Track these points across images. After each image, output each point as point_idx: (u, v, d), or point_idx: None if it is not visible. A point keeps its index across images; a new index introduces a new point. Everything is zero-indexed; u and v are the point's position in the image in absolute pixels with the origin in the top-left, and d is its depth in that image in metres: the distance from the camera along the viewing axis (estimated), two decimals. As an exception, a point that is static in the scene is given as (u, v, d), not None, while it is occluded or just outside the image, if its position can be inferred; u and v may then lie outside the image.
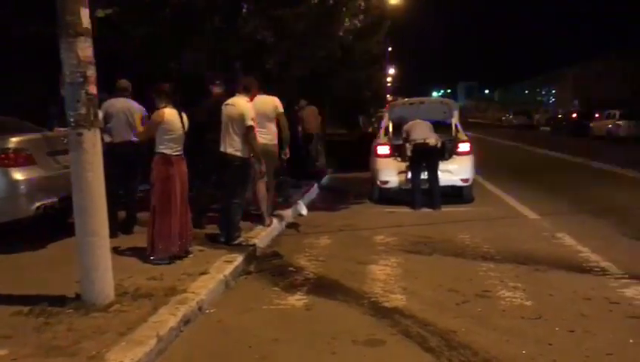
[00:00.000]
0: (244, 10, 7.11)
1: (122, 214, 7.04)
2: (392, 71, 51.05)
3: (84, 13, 4.24)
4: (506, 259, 6.17)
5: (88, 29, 4.26)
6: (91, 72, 4.30)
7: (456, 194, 9.92)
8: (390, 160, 9.85)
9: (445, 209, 9.34)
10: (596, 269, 5.70)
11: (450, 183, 9.66)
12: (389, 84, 54.19)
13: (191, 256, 5.95)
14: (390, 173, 9.82)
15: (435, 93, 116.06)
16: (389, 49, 29.60)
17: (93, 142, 4.34)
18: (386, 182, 9.89)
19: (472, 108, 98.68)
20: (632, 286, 5.10)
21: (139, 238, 6.65)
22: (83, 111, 4.26)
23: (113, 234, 5.95)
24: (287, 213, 8.60)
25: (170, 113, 5.83)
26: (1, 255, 6.08)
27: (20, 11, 8.80)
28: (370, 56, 19.16)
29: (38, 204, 6.23)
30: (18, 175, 6.12)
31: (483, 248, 6.68)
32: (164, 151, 5.81)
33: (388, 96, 53.65)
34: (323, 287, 5.31)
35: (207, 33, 7.65)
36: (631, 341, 3.94)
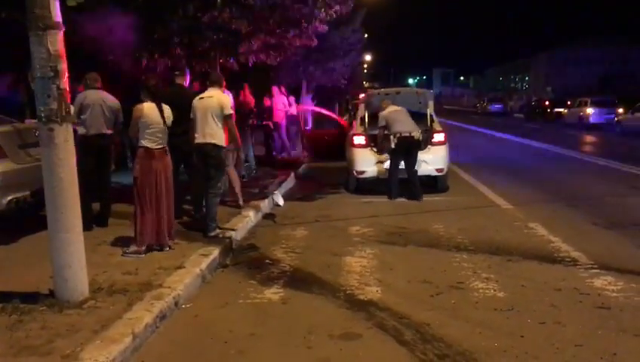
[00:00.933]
0: (218, 1, 7.02)
1: (97, 207, 6.96)
2: (368, 57, 51.00)
3: (54, 6, 4.15)
4: (480, 249, 6.27)
5: (58, 22, 4.18)
6: (62, 66, 4.23)
7: (430, 184, 10.03)
8: (367, 150, 9.89)
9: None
10: (567, 259, 5.82)
11: (425, 173, 9.74)
12: (364, 71, 54.22)
13: (167, 249, 5.91)
14: (367, 163, 9.87)
15: (410, 80, 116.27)
16: (365, 35, 29.50)
17: (65, 137, 4.27)
18: (363, 173, 9.93)
19: (447, 95, 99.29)
20: (600, 277, 5.22)
21: (113, 231, 6.64)
22: (54, 106, 4.19)
23: (87, 227, 5.93)
24: (264, 204, 8.60)
25: (149, 107, 5.84)
26: (-29, 250, 5.99)
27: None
28: (347, 45, 19.17)
29: (9, 198, 6.13)
30: (-12, 168, 6.01)
31: (457, 238, 6.77)
32: (146, 144, 5.81)
33: (364, 83, 53.72)
34: (299, 280, 5.34)
35: (179, 22, 7.54)
36: (599, 332, 4.04)
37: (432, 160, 9.74)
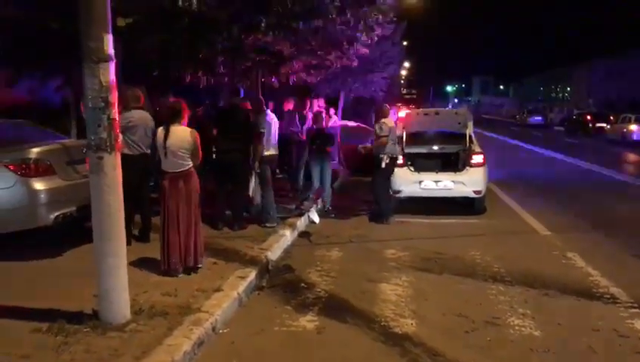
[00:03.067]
0: (262, 24, 7.16)
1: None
2: (406, 64, 50.82)
3: (107, 39, 4.31)
4: (516, 280, 6.21)
5: (111, 54, 4.34)
6: (112, 97, 4.38)
7: (466, 204, 9.99)
8: (404, 169, 9.89)
9: (456, 220, 9.41)
10: (606, 296, 5.72)
11: (462, 195, 9.72)
12: (402, 80, 54.07)
13: (200, 268, 6.02)
14: (403, 182, 9.87)
15: (449, 88, 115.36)
16: (404, 43, 29.42)
17: (113, 165, 4.43)
18: (399, 192, 9.93)
19: (486, 104, 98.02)
20: (641, 318, 5.13)
21: (153, 247, 6.79)
22: (104, 135, 4.34)
23: (127, 242, 6.09)
24: (300, 222, 8.68)
25: (159, 131, 5.99)
26: (20, 262, 6.24)
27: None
28: (386, 58, 19.18)
29: (56, 214, 6.35)
30: (38, 185, 6.25)
31: (493, 267, 6.72)
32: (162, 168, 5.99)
33: (402, 90, 53.56)
34: (334, 308, 5.38)
35: (223, 43, 7.72)
36: (638, 380, 3.98)
37: (469, 181, 9.69)
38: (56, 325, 4.45)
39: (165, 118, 6.02)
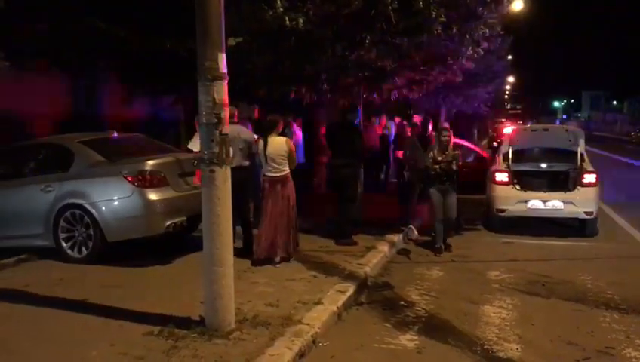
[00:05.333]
0: (366, 41, 7.23)
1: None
2: (510, 79, 49.20)
3: (222, 58, 4.53)
4: (632, 309, 5.79)
5: (224, 73, 4.55)
6: (225, 114, 4.59)
7: (577, 226, 9.48)
8: (509, 187, 9.56)
9: (565, 242, 8.94)
10: None
11: (572, 216, 9.25)
12: (506, 94, 52.40)
13: (279, 265, 6.70)
14: (508, 201, 9.53)
15: (556, 103, 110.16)
16: (509, 57, 28.50)
17: (224, 179, 4.63)
18: (504, 211, 9.60)
19: (597, 121, 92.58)
20: None
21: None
22: (216, 150, 4.55)
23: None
24: (398, 238, 8.61)
25: (260, 142, 6.90)
26: (134, 268, 6.66)
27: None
28: (491, 73, 18.69)
29: (169, 223, 6.74)
30: (153, 195, 6.66)
31: (606, 294, 6.31)
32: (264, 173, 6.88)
33: (506, 105, 51.88)
34: (435, 328, 5.27)
35: (327, 60, 7.87)
36: None
37: (580, 202, 9.20)
38: (166, 329, 4.70)
39: (265, 131, 6.92)
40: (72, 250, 7.01)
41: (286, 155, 6.74)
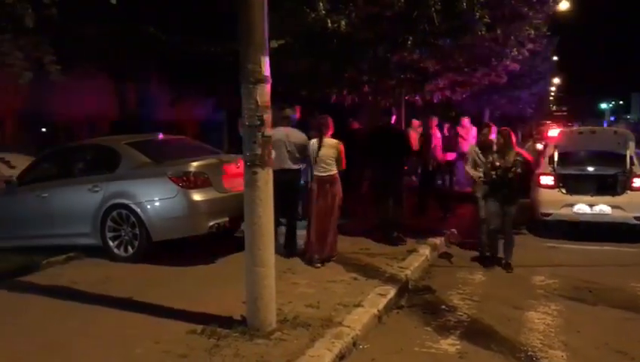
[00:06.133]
0: (408, 43, 7.19)
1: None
2: (556, 80, 48.07)
3: (265, 62, 4.58)
4: (686, 318, 5.59)
5: (267, 76, 4.60)
6: (267, 116, 4.64)
7: (625, 232, 9.19)
8: (554, 191, 9.34)
9: (612, 248, 8.69)
10: None
11: (620, 221, 8.97)
12: (551, 96, 51.24)
13: (320, 264, 6.85)
14: (554, 205, 9.31)
15: (604, 105, 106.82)
16: (555, 58, 27.83)
17: (265, 180, 4.67)
18: (548, 215, 9.39)
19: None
20: None
21: (298, 261, 7.06)
22: (258, 151, 4.60)
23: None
24: (440, 242, 8.52)
25: (312, 143, 7.00)
26: (178, 268, 6.79)
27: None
28: (535, 74, 18.30)
29: (212, 223, 6.84)
30: (196, 196, 6.78)
31: (658, 302, 6.10)
32: (314, 172, 7.05)
33: (551, 107, 50.75)
34: (477, 333, 5.20)
35: (369, 62, 7.86)
36: None
37: (629, 206, 8.92)
38: (209, 328, 4.77)
39: (317, 133, 7.05)
40: (119, 249, 7.19)
41: (336, 157, 6.90)
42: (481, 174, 7.50)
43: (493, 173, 7.23)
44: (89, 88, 14.99)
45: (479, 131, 8.78)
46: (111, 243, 7.20)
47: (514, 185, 7.25)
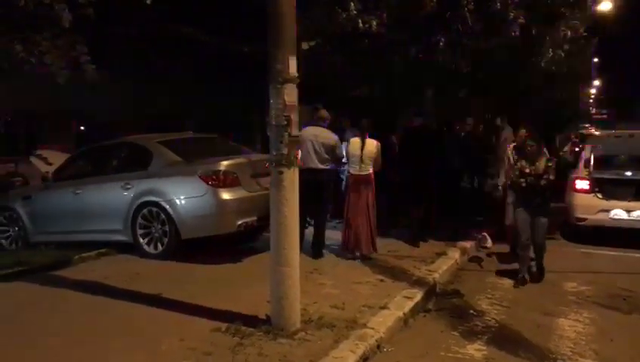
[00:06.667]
0: (441, 44, 7.11)
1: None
2: (596, 82, 46.89)
3: (292, 62, 4.59)
4: None
5: (295, 76, 4.60)
6: (294, 116, 4.64)
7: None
8: (590, 196, 9.12)
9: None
10: None
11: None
12: (591, 98, 50.08)
13: (358, 260, 7.20)
14: (589, 210, 9.08)
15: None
16: (595, 60, 27.16)
17: (291, 180, 4.68)
18: (583, 220, 9.16)
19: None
20: None
21: (325, 262, 7.06)
22: (285, 151, 4.61)
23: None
24: (471, 245, 8.40)
25: (354, 141, 7.34)
26: (205, 266, 6.87)
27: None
28: (574, 75, 17.85)
29: (240, 222, 6.89)
30: (225, 195, 6.84)
31: (697, 312, 5.89)
32: (350, 171, 7.38)
33: (591, 110, 49.60)
34: (505, 339, 5.10)
35: (400, 63, 7.81)
36: None
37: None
38: (233, 326, 4.80)
39: (359, 133, 7.38)
40: (149, 246, 7.30)
41: (374, 157, 7.23)
42: (504, 179, 7.32)
43: (522, 180, 6.69)
44: (125, 88, 15.27)
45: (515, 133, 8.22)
46: (141, 239, 7.32)
47: (546, 194, 6.76)
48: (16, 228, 8.42)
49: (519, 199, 6.92)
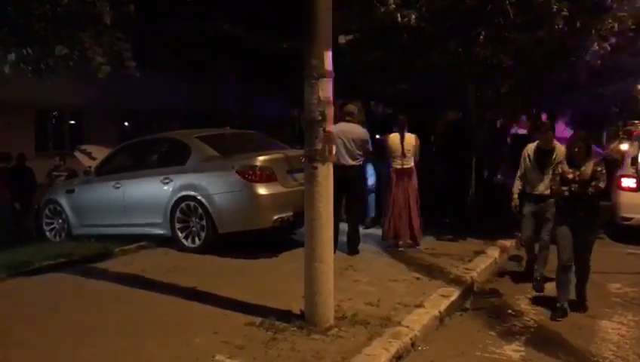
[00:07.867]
0: (481, 37, 6.95)
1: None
2: (647, 78, 45.13)
3: (328, 57, 4.55)
4: None
5: (330, 71, 4.57)
6: (329, 111, 4.61)
7: None
8: (636, 194, 8.80)
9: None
10: None
11: None
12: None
13: (402, 249, 7.55)
14: (635, 209, 8.77)
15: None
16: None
17: (326, 175, 4.65)
18: (630, 219, 8.85)
19: None
20: None
21: (360, 258, 7.01)
22: (319, 146, 4.59)
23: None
24: (511, 244, 8.21)
25: (393, 137, 7.61)
26: (241, 260, 6.92)
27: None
28: (621, 70, 17.22)
29: (276, 217, 6.91)
30: (261, 190, 6.87)
31: None
32: (392, 165, 7.60)
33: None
34: (544, 340, 4.96)
35: (438, 57, 7.68)
36: None
37: None
38: (267, 321, 4.82)
39: (398, 129, 7.63)
40: (187, 240, 7.40)
41: (414, 151, 7.55)
42: (520, 186, 6.40)
43: (565, 188, 5.44)
44: (167, 84, 15.54)
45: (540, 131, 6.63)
46: (179, 233, 7.43)
47: (594, 204, 5.49)
48: (60, 221, 8.66)
49: (560, 211, 5.70)
